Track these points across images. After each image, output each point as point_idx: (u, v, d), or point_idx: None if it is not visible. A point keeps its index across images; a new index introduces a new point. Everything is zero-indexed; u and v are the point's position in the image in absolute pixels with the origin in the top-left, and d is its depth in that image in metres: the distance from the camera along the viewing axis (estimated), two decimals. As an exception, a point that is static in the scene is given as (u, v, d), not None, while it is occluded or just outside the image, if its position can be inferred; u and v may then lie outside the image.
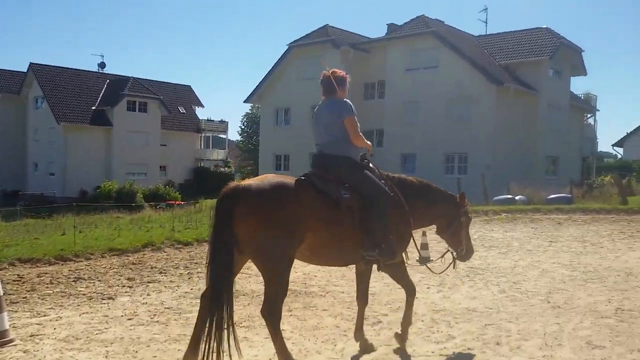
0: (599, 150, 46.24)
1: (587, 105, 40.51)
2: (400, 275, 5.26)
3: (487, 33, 37.00)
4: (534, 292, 7.39)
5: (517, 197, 21.68)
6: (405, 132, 31.35)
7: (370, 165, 5.09)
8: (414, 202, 5.09)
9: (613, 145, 52.54)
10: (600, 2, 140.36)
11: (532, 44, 32.58)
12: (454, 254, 5.61)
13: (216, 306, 4.38)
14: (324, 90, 5.09)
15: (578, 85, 71.35)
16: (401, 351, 5.19)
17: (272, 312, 4.46)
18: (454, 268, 5.68)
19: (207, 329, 4.38)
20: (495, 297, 7.28)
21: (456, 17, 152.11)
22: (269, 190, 4.40)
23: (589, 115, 41.70)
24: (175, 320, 6.53)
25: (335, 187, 4.69)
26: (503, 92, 28.92)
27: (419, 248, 5.55)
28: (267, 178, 4.54)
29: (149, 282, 8.59)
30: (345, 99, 5.02)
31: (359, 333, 5.22)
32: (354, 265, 5.26)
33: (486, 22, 58.27)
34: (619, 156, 49.20)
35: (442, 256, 5.68)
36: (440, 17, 35.19)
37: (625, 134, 51.57)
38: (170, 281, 8.71)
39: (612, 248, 10.93)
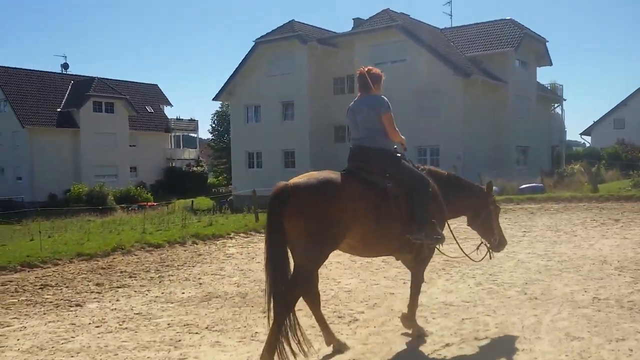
0: (567, 139, 47.06)
1: (553, 95, 41.09)
2: (420, 266, 5.44)
3: (453, 26, 37.18)
4: (510, 284, 7.36)
5: (488, 188, 21.80)
6: (376, 126, 31.32)
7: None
8: (446, 193, 5.39)
9: (581, 134, 53.69)
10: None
11: (497, 36, 32.84)
12: (488, 245, 5.85)
13: (283, 307, 4.54)
14: (360, 87, 5.28)
15: (544, 76, 72.48)
16: (415, 333, 5.34)
17: (289, 303, 4.62)
18: (490, 259, 5.89)
19: (275, 328, 4.55)
20: (471, 290, 7.22)
21: (421, 10, 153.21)
22: (317, 187, 4.56)
23: (556, 105, 42.32)
24: (145, 326, 6.31)
25: (380, 178, 4.94)
26: (470, 84, 29.11)
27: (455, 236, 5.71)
28: (313, 175, 4.72)
29: (118, 287, 8.34)
30: (382, 96, 5.21)
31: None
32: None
33: (451, 15, 58.73)
34: (587, 144, 50.18)
35: (477, 248, 5.85)
36: (405, 11, 35.36)
37: (593, 123, 52.71)
38: (141, 285, 8.47)
39: (585, 236, 11.01)
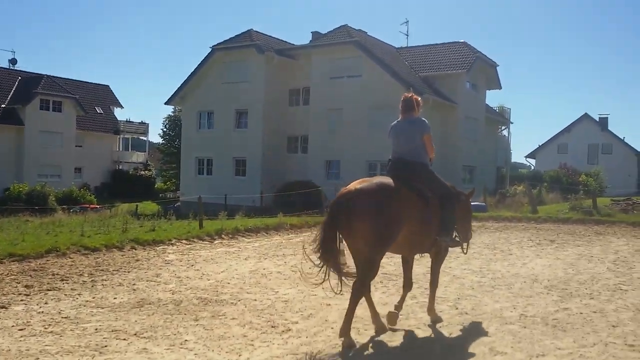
0: (513, 160, 48.55)
1: (501, 117, 42.38)
2: (438, 264, 6.49)
3: (408, 45, 37.95)
4: (443, 298, 7.49)
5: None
6: (329, 139, 31.55)
7: None
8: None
9: (526, 157, 55.49)
10: (515, 19, 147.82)
11: (450, 58, 33.71)
12: (460, 237, 6.61)
13: (360, 289, 5.34)
14: (404, 109, 6.24)
15: (493, 99, 74.59)
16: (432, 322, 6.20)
17: (362, 289, 5.39)
18: (464, 249, 6.71)
19: (352, 304, 5.36)
20: (405, 303, 7.28)
21: (379, 29, 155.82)
22: (378, 191, 5.34)
23: (503, 127, 43.64)
24: (71, 330, 6.12)
25: (422, 187, 5.76)
26: (422, 103, 29.68)
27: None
28: (371, 181, 5.51)
29: (48, 290, 8.06)
30: (423, 118, 6.22)
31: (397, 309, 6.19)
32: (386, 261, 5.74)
33: (407, 35, 60.00)
34: (532, 167, 51.87)
35: (462, 246, 6.64)
36: (363, 28, 35.74)
37: (538, 146, 54.55)
38: (72, 289, 8.21)
39: (520, 255, 11.34)
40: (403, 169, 5.94)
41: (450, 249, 6.60)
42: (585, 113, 52.44)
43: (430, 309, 6.40)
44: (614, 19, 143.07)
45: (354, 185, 5.43)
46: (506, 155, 42.08)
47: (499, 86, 37.57)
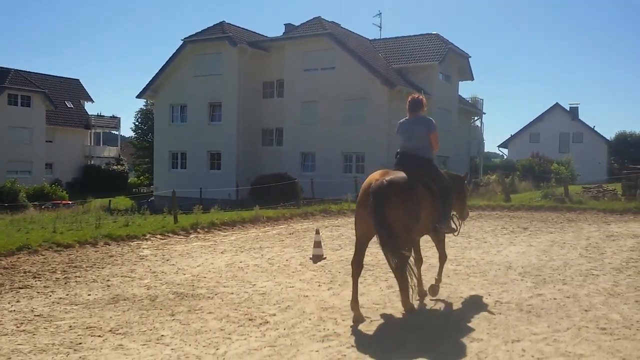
0: (486, 150, 49.05)
1: (474, 108, 42.76)
2: (442, 243, 7.26)
3: (382, 37, 37.99)
4: (419, 287, 7.53)
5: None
6: (304, 131, 31.49)
7: None
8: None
9: (499, 146, 56.12)
10: (486, 11, 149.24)
11: (423, 49, 33.86)
12: (458, 216, 7.46)
13: (403, 263, 5.99)
14: (412, 108, 6.81)
15: (466, 89, 75.25)
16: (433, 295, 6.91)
17: (404, 268, 6.03)
18: (458, 228, 7.25)
19: (403, 279, 6.09)
20: (382, 292, 7.36)
21: (352, 21, 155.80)
22: (407, 182, 6.08)
23: (476, 118, 44.06)
24: (44, 328, 6.02)
25: (430, 180, 6.43)
26: (396, 95, 29.75)
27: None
28: (395, 173, 6.18)
29: (20, 288, 7.92)
30: (430, 117, 6.88)
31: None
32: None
33: (380, 27, 60.11)
34: (505, 156, 52.52)
35: (457, 225, 7.28)
36: (336, 20, 35.65)
37: (510, 136, 55.21)
38: (45, 286, 8.07)
39: (494, 243, 11.47)
40: (411, 163, 6.53)
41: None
42: (557, 103, 53.15)
43: (439, 279, 7.21)
44: (583, 12, 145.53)
45: (380, 176, 6.08)
46: (479, 145, 42.57)
47: (471, 77, 37.92)
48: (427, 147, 6.69)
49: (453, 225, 6.97)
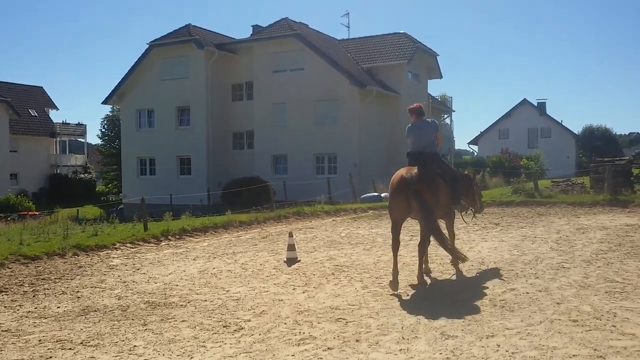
0: (456, 147, 49.58)
1: (443, 106, 43.30)
2: (451, 223, 8.61)
3: (350, 37, 38.12)
4: (394, 286, 7.54)
5: (382, 195, 22.49)
6: (275, 133, 31.38)
7: None
8: (459, 181, 8.58)
9: (469, 143, 56.84)
10: (452, 8, 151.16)
11: (391, 49, 34.06)
12: (473, 209, 9.28)
13: (433, 231, 7.38)
14: (417, 114, 8.24)
15: (435, 88, 75.91)
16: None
17: (425, 242, 7.57)
18: (472, 218, 9.78)
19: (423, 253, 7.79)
20: (358, 293, 7.34)
21: (320, 21, 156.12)
22: (428, 174, 7.50)
23: (445, 116, 44.57)
24: (12, 343, 5.86)
25: (440, 172, 7.91)
26: (366, 94, 29.92)
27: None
28: (415, 169, 7.51)
29: (-15, 303, 7.66)
30: (434, 120, 8.68)
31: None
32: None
33: (348, 27, 60.41)
34: (475, 153, 53.16)
35: (468, 213, 9.31)
36: (304, 20, 35.55)
37: (480, 133, 55.94)
38: (12, 300, 7.86)
39: (466, 239, 11.54)
40: (424, 159, 7.81)
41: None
42: (524, 98, 54.03)
43: (454, 262, 8.36)
44: (549, 8, 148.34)
45: (409, 173, 7.49)
46: (450, 143, 43.01)
47: (439, 75, 38.27)
48: (434, 144, 8.08)
49: (463, 205, 8.76)
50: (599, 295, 6.54)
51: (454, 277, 8.09)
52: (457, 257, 7.81)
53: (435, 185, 7.54)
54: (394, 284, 7.31)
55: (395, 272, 7.43)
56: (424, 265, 7.88)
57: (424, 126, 8.17)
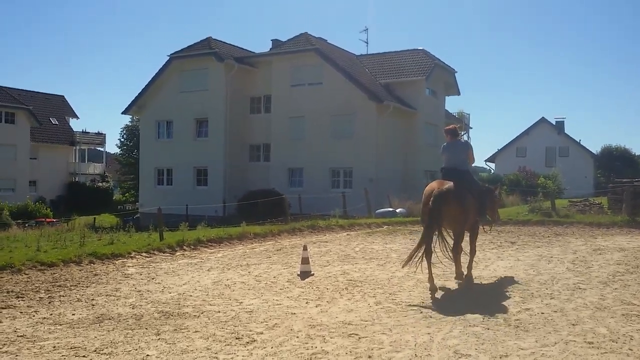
0: (473, 164, 49.19)
1: (460, 123, 43.03)
2: (474, 238, 9.20)
3: (368, 53, 38.25)
4: (408, 303, 7.52)
5: (397, 210, 22.43)
6: (292, 146, 31.51)
7: None
8: (486, 194, 9.33)
9: (486, 161, 56.45)
10: (472, 26, 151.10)
11: (409, 65, 34.08)
12: (491, 219, 9.86)
13: (458, 251, 8.53)
14: (452, 135, 9.20)
15: (452, 104, 75.73)
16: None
17: (458, 250, 8.49)
18: (490, 230, 10.72)
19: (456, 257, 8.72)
20: (371, 308, 7.31)
21: (338, 36, 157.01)
22: (461, 190, 8.29)
23: (462, 133, 44.33)
24: (28, 349, 5.90)
25: (470, 188, 8.63)
26: (383, 110, 29.95)
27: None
28: (448, 183, 8.33)
29: (2, 309, 7.77)
30: (467, 140, 9.38)
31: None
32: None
33: (367, 42, 60.66)
34: (492, 170, 52.78)
35: (490, 227, 10.32)
36: (323, 36, 35.81)
37: (497, 150, 55.61)
38: (28, 306, 7.94)
39: (482, 258, 11.44)
40: (455, 175, 8.59)
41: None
42: (543, 117, 53.61)
43: (469, 271, 8.83)
44: (569, 26, 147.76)
45: (439, 186, 8.31)
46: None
47: (457, 92, 38.15)
48: (465, 162, 8.93)
49: (488, 220, 9.56)
50: (616, 318, 6.45)
51: (470, 294, 8.01)
52: (458, 273, 8.75)
53: (465, 199, 8.25)
54: (432, 288, 8.16)
55: (431, 279, 8.22)
56: (457, 271, 8.94)
57: (458, 145, 9.11)
